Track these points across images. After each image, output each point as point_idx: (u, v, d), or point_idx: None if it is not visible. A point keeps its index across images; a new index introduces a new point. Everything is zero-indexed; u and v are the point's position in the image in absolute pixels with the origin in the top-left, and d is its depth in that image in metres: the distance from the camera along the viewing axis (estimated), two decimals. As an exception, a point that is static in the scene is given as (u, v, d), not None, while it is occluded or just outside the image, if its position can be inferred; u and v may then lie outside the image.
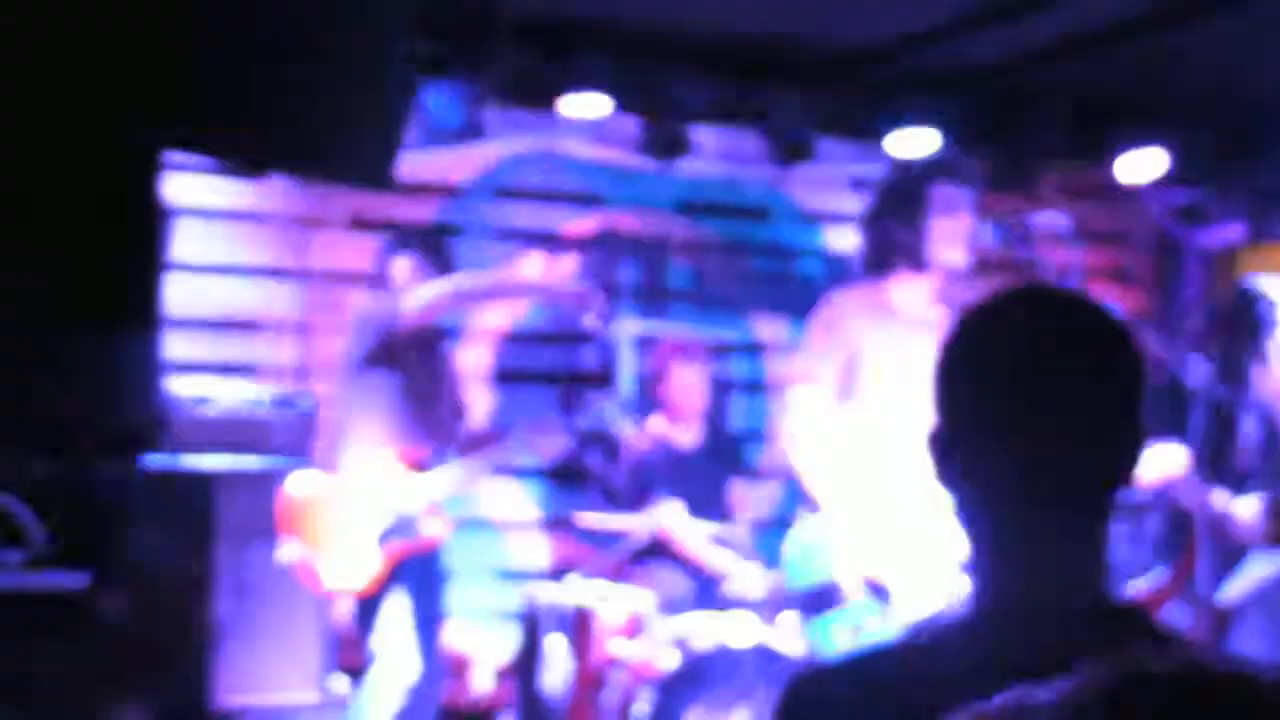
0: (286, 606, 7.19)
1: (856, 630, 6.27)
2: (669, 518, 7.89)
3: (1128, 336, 2.15)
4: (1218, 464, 6.39)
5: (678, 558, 8.14)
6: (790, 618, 6.85)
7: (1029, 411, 2.09)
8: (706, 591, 8.12)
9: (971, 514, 2.17)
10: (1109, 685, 1.85)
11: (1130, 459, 2.14)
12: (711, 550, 7.96)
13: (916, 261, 6.32)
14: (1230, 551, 7.43)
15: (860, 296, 6.49)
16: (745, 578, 7.80)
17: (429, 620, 6.89)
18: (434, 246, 6.74)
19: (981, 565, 2.16)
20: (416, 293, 6.68)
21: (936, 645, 2.15)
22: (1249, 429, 7.24)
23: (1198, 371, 6.10)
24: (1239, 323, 7.80)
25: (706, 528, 7.92)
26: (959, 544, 2.18)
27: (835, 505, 6.24)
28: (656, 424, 8.39)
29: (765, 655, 7.09)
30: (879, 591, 6.22)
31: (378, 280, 6.93)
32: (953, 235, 6.29)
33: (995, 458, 2.12)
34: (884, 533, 6.22)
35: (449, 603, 7.37)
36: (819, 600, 6.35)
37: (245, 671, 7.28)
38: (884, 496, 6.34)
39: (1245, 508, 7.06)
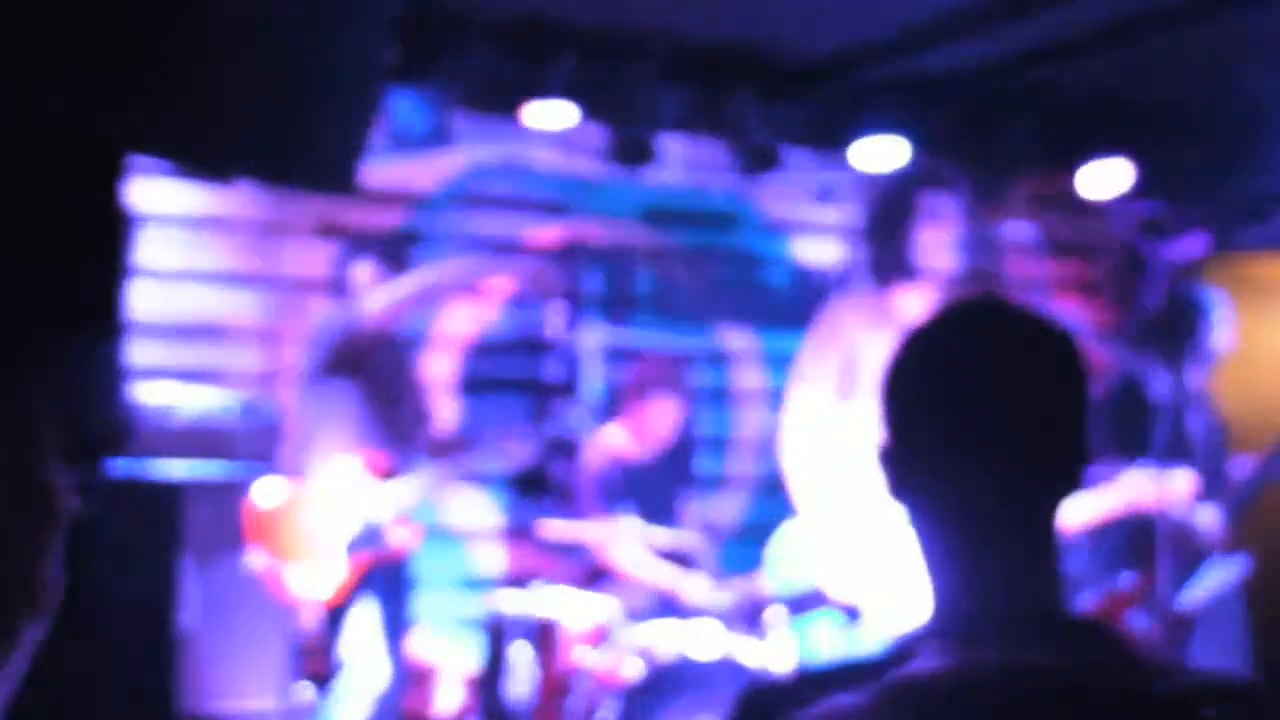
0: (252, 614, 7.18)
1: (838, 633, 6.30)
2: (611, 537, 7.90)
3: (1074, 349, 2.17)
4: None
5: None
6: (772, 621, 6.87)
7: (976, 426, 2.10)
8: (672, 600, 8.13)
9: (922, 529, 2.17)
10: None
11: (1078, 471, 2.14)
12: (653, 567, 7.96)
13: (908, 270, 6.34)
14: (1190, 558, 7.48)
15: (860, 305, 6.51)
16: (692, 589, 7.84)
17: (396, 629, 6.90)
18: (394, 252, 6.73)
19: (934, 581, 2.16)
20: (376, 295, 6.67)
21: (888, 661, 2.11)
22: (1196, 430, 7.30)
23: (1162, 383, 6.12)
24: (1176, 326, 7.88)
25: (662, 537, 7.93)
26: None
27: (821, 511, 6.26)
28: (615, 434, 8.39)
29: (730, 666, 7.11)
30: (859, 598, 6.25)
31: (338, 286, 6.91)
32: (941, 243, 6.30)
33: (943, 472, 2.13)
34: (866, 538, 6.24)
35: (414, 611, 7.37)
36: (802, 604, 6.38)
37: (211, 679, 7.27)
38: (871, 503, 6.37)
39: (1205, 515, 7.12)
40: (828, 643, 6.43)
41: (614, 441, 8.41)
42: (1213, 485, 7.51)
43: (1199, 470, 7.31)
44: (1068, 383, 2.15)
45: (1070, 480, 2.13)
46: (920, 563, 2.17)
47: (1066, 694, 1.97)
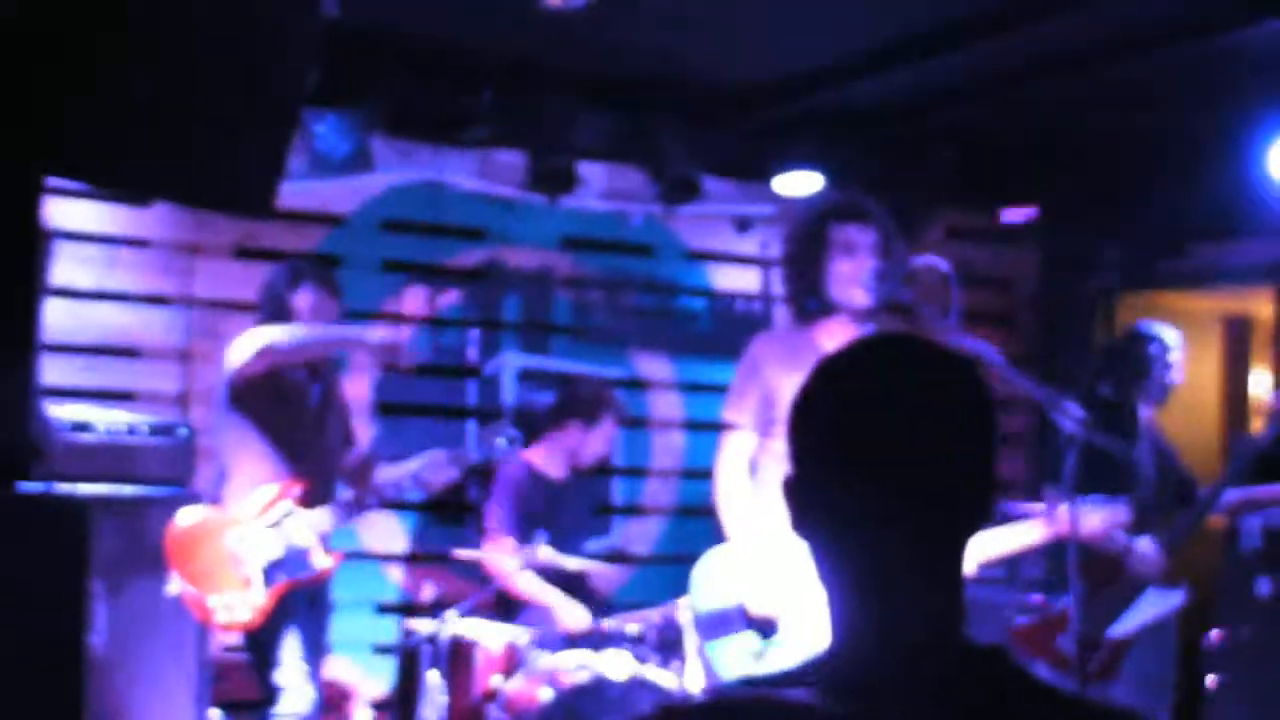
0: (165, 639, 7.15)
1: (753, 656, 6.33)
2: (516, 564, 7.93)
3: (981, 384, 2.16)
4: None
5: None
6: (687, 645, 6.89)
7: (880, 460, 2.09)
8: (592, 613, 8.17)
9: (826, 561, 2.17)
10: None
11: (984, 504, 2.14)
12: (537, 588, 8.01)
13: (825, 304, 6.36)
14: (1126, 588, 7.57)
15: (778, 341, 6.54)
16: (570, 614, 7.89)
17: (315, 652, 6.89)
18: (329, 279, 6.71)
19: (836, 611, 2.16)
20: (240, 344, 6.66)
21: (791, 687, 2.10)
22: (1143, 464, 7.36)
23: (1073, 414, 6.16)
24: (1128, 362, 7.96)
25: (571, 563, 7.96)
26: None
27: (742, 538, 6.30)
28: (535, 458, 8.42)
29: (642, 687, 7.13)
30: (773, 620, 6.29)
31: (278, 312, 6.84)
32: (853, 277, 6.32)
33: (846, 506, 2.11)
34: (785, 565, 6.28)
35: (330, 635, 7.36)
36: (719, 625, 6.41)
37: (120, 706, 7.23)
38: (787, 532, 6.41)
39: (1143, 547, 7.19)
40: (741, 666, 6.46)
41: (533, 465, 8.44)
42: (1152, 518, 7.60)
43: (1142, 501, 7.40)
44: (975, 418, 2.14)
45: (977, 514, 2.13)
46: (823, 591, 2.17)
47: None
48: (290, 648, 6.65)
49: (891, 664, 2.07)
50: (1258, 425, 7.59)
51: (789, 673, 2.17)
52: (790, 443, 2.21)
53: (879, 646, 2.09)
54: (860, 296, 6.31)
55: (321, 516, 6.50)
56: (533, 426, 8.86)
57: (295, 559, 6.49)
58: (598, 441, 8.65)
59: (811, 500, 2.17)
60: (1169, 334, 7.98)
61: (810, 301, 6.36)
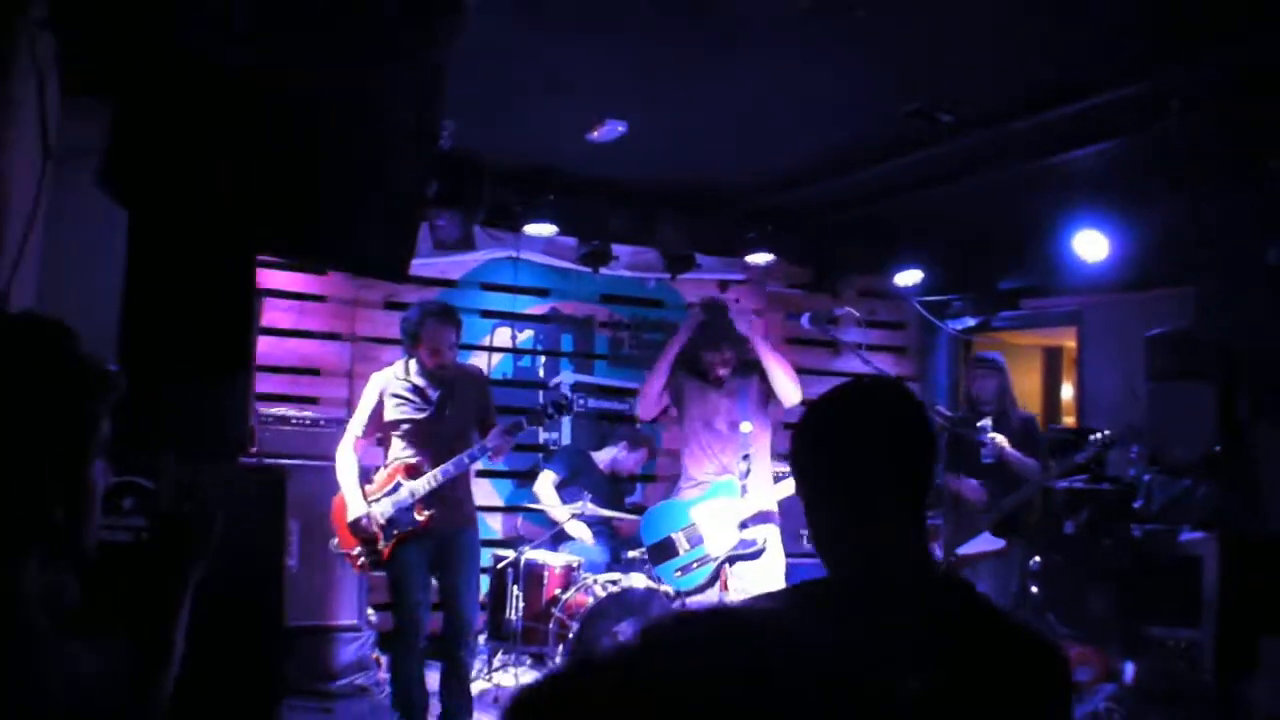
0: (335, 559, 7.19)
1: (683, 570, 6.37)
2: (558, 509, 8.00)
3: (925, 411, 2.21)
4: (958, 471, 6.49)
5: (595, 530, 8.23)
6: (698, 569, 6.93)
7: (883, 452, 2.11)
8: (616, 555, 8.18)
9: (837, 516, 2.12)
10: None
11: (927, 480, 2.15)
12: (581, 530, 8.10)
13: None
14: (967, 523, 7.60)
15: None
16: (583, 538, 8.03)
17: (453, 588, 6.58)
18: (446, 314, 6.56)
19: (839, 550, 2.12)
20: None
21: (788, 606, 2.04)
22: (985, 450, 7.38)
23: (942, 413, 6.21)
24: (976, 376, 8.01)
25: (606, 513, 8.00)
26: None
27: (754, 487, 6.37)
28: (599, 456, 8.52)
29: (655, 596, 7.15)
30: (696, 542, 6.34)
31: (412, 339, 6.63)
32: (714, 363, 6.46)
33: (860, 480, 2.10)
34: (706, 506, 6.35)
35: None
36: (662, 550, 6.47)
37: (307, 603, 7.28)
38: (694, 483, 6.50)
39: (969, 484, 7.18)
40: (672, 579, 6.50)
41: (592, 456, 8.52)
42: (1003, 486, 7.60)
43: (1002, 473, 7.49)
44: (927, 428, 2.17)
45: (928, 486, 2.15)
46: (823, 538, 2.14)
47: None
48: (411, 584, 6.35)
49: (895, 582, 2.05)
50: (1069, 421, 7.60)
51: (778, 593, 2.14)
52: (798, 457, 2.19)
53: (886, 571, 2.06)
54: (724, 372, 6.52)
55: (421, 482, 6.36)
56: (599, 433, 8.94)
57: (402, 517, 6.36)
58: (631, 461, 8.68)
59: (821, 497, 2.16)
60: (1001, 359, 8.09)
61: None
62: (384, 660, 7.67)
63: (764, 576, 6.28)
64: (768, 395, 6.49)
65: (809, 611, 1.98)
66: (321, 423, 7.55)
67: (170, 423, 2.72)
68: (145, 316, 2.74)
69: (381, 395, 6.49)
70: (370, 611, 7.80)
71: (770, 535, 6.34)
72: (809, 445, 2.19)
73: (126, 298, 2.74)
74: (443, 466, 6.31)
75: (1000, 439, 7.37)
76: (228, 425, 2.86)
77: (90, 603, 2.23)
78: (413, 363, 6.50)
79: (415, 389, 6.45)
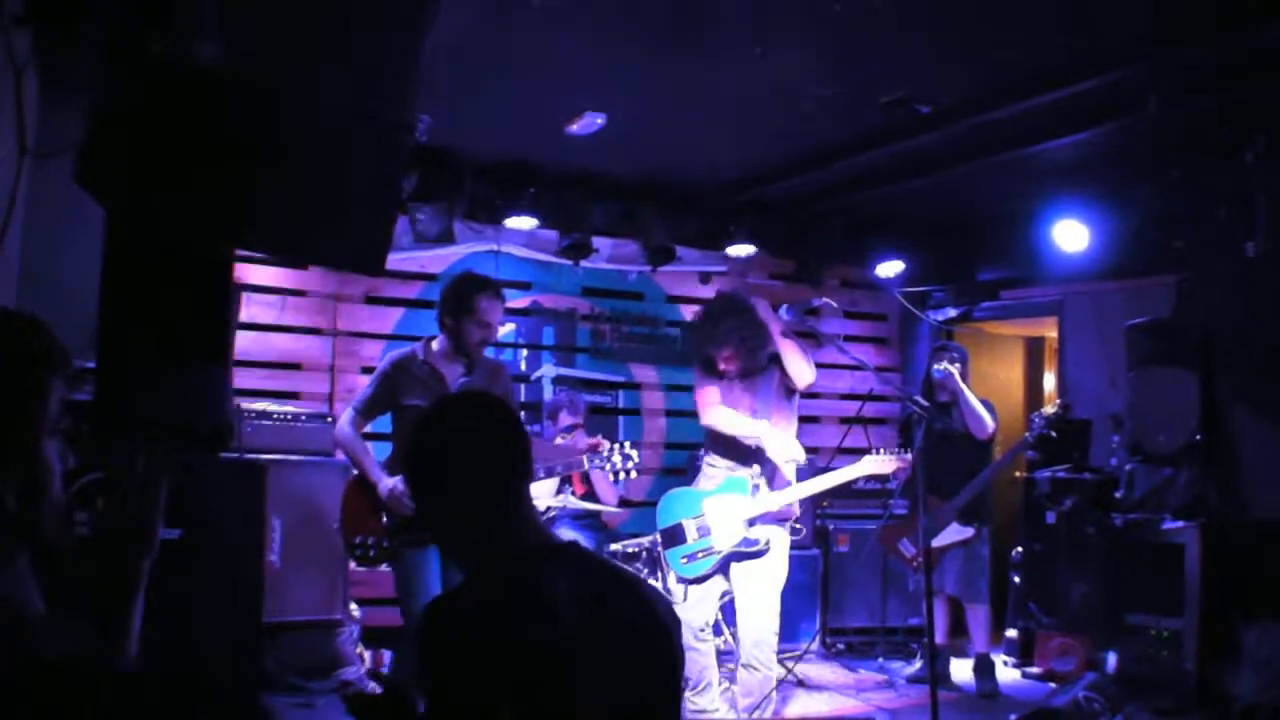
0: (318, 555, 7.21)
1: (689, 559, 6.40)
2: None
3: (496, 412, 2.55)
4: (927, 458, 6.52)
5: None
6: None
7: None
8: (600, 547, 8.21)
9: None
10: None
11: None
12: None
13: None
14: (938, 517, 7.67)
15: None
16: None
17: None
18: (496, 289, 6.29)
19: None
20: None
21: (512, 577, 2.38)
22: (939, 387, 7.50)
23: (920, 403, 6.24)
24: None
25: (591, 507, 8.03)
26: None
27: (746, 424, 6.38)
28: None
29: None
30: (704, 532, 6.37)
31: (459, 308, 6.03)
32: (717, 359, 6.41)
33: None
34: (718, 500, 6.37)
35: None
36: (669, 537, 6.48)
37: (287, 597, 7.28)
38: (710, 476, 6.51)
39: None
40: (680, 564, 6.51)
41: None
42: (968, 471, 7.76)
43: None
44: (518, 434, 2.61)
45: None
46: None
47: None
48: (422, 584, 5.86)
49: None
50: (1048, 409, 7.64)
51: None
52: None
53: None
54: (733, 365, 6.42)
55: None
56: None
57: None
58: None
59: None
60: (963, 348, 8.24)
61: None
62: (368, 655, 7.68)
63: (764, 575, 6.28)
64: (791, 387, 6.42)
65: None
66: (303, 418, 7.55)
67: (147, 418, 2.74)
68: (122, 312, 2.76)
69: (396, 375, 6.05)
70: (354, 607, 7.81)
71: (775, 536, 6.32)
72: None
73: (104, 293, 2.76)
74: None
75: (953, 369, 7.53)
76: (206, 420, 2.87)
77: (54, 585, 2.26)
78: (434, 344, 6.10)
79: (433, 372, 6.04)
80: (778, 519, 6.37)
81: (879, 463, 6.55)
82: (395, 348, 6.52)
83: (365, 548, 5.99)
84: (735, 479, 6.39)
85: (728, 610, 7.21)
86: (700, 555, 6.37)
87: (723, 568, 6.39)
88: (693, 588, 6.46)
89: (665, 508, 6.57)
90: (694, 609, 6.41)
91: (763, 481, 6.36)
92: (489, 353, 6.32)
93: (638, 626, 2.35)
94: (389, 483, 5.82)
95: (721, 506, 6.35)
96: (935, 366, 7.96)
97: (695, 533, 6.41)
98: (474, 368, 6.08)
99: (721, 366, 6.40)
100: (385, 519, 5.92)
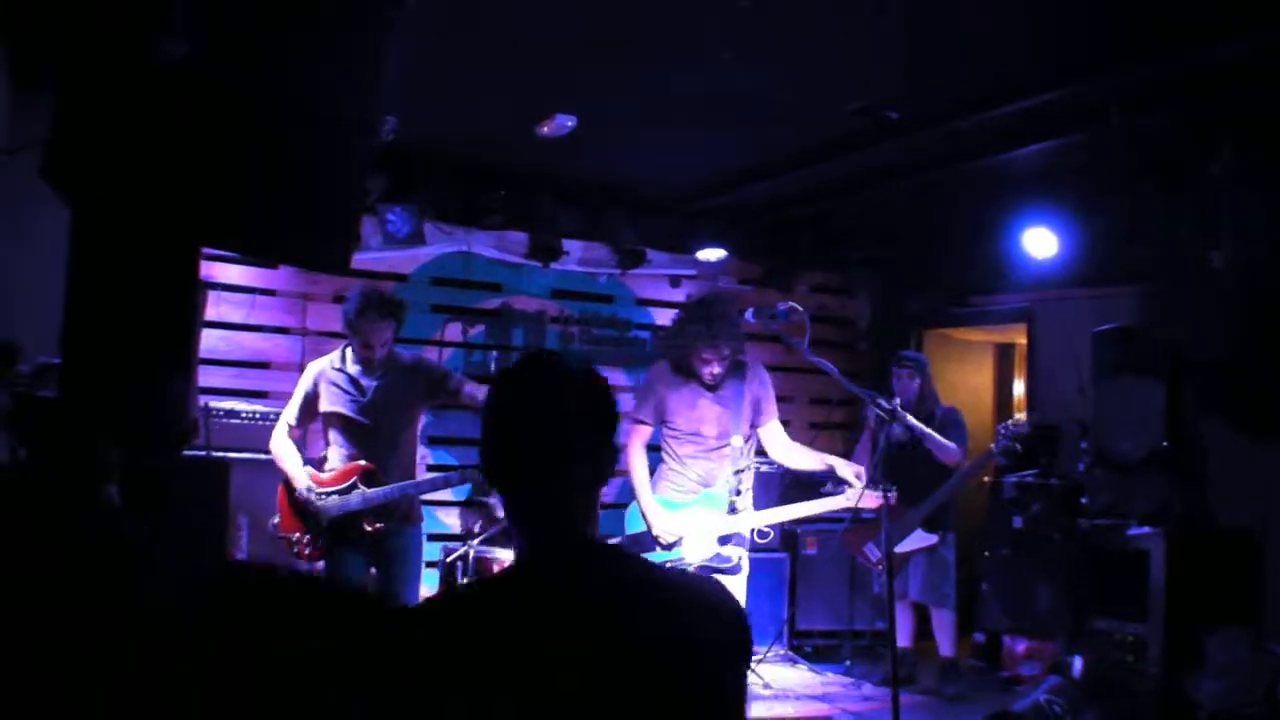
0: (284, 557, 7.21)
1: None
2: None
3: (602, 385, 2.29)
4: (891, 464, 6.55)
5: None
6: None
7: (544, 441, 2.23)
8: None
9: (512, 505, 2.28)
10: None
11: (608, 465, 2.30)
12: None
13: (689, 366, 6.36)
14: (903, 524, 7.72)
15: (665, 368, 6.51)
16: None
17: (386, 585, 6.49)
18: (386, 306, 6.39)
19: (520, 533, 2.26)
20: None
21: (499, 584, 2.28)
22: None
23: (884, 407, 6.25)
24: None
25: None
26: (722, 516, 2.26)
27: (646, 492, 6.32)
28: None
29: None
30: (675, 546, 6.36)
31: (352, 330, 6.49)
32: (710, 361, 6.28)
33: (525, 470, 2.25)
34: (691, 512, 6.34)
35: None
36: (638, 543, 6.45)
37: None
38: (677, 486, 6.46)
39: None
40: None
41: None
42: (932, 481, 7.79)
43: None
44: (602, 409, 2.30)
45: (606, 471, 2.32)
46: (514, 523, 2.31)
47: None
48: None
49: (563, 556, 2.22)
50: (1019, 417, 7.71)
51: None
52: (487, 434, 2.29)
53: (551, 548, 2.23)
54: (714, 369, 6.30)
55: (377, 493, 6.10)
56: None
57: (349, 521, 6.18)
58: None
59: (502, 475, 2.28)
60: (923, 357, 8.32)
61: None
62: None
63: (736, 591, 6.25)
64: (758, 404, 6.36)
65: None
66: (272, 417, 7.54)
67: (110, 414, 2.76)
68: (87, 309, 2.79)
69: (317, 383, 6.29)
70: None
71: (745, 556, 6.31)
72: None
73: (69, 290, 2.79)
74: (402, 484, 6.19)
75: (911, 419, 7.48)
76: (168, 418, 2.90)
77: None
78: (349, 351, 6.30)
79: (350, 379, 6.26)
80: (744, 540, 6.34)
81: (863, 498, 6.34)
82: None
83: (300, 544, 6.30)
84: (709, 493, 6.31)
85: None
86: (667, 566, 6.35)
87: None
88: None
89: (636, 512, 6.54)
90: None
91: (740, 500, 6.29)
92: (405, 351, 6.55)
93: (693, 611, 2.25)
94: (303, 484, 6.19)
95: (694, 520, 6.28)
96: (884, 406, 7.93)
97: (665, 541, 6.35)
98: (386, 373, 6.29)
99: (702, 369, 6.28)
100: (311, 518, 6.24)
